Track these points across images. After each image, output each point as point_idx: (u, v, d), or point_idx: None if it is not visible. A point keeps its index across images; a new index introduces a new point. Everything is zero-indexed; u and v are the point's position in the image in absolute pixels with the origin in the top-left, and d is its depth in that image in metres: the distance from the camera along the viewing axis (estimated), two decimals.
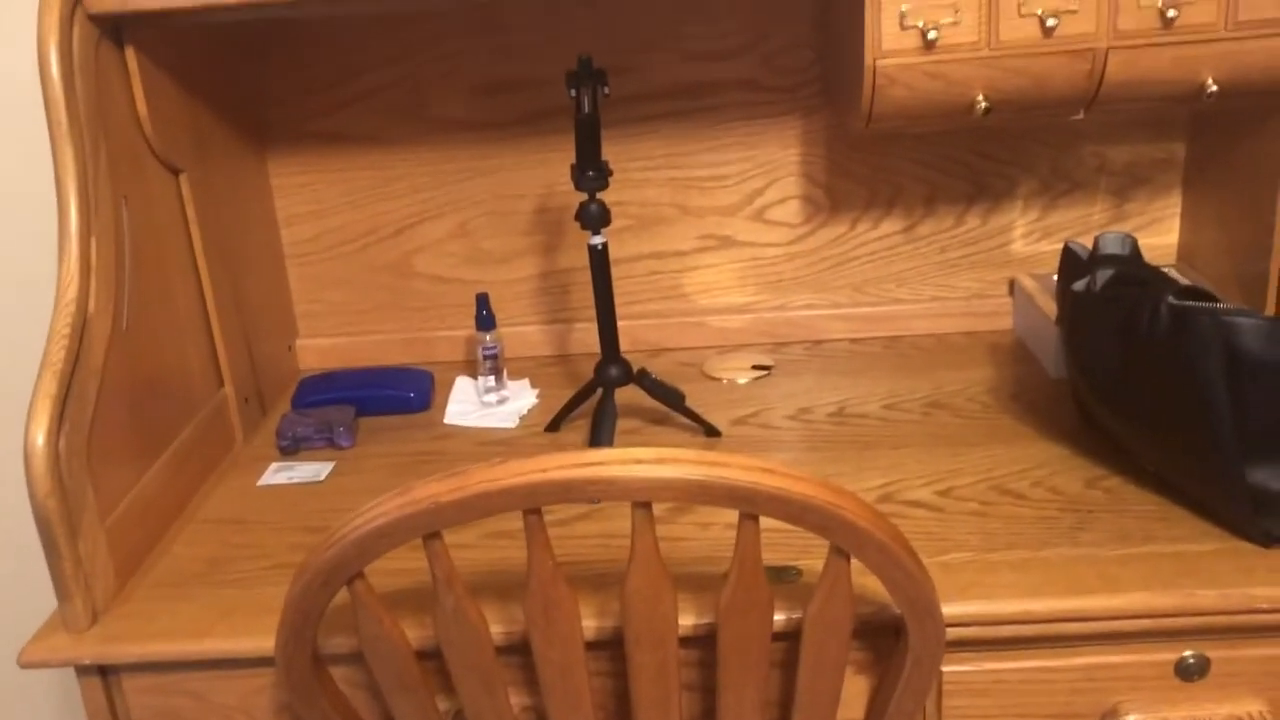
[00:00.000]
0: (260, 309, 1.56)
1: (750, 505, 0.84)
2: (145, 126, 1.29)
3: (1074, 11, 1.22)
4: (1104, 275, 1.23)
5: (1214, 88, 1.25)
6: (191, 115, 1.40)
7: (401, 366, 1.64)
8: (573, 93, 1.27)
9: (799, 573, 1.09)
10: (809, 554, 1.12)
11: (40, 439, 1.06)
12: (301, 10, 1.20)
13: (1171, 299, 1.10)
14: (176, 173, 1.36)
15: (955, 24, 1.23)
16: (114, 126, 1.23)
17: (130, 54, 1.26)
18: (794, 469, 0.84)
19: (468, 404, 1.54)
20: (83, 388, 1.12)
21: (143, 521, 1.22)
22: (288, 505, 1.31)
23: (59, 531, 1.07)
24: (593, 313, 1.39)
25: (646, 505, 0.85)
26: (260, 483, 1.37)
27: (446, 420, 1.50)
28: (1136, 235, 1.57)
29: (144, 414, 1.26)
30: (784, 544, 1.13)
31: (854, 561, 0.88)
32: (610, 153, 1.60)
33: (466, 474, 0.85)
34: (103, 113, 1.20)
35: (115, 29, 1.24)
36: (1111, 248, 1.26)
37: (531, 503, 0.84)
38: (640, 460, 0.83)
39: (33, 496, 1.05)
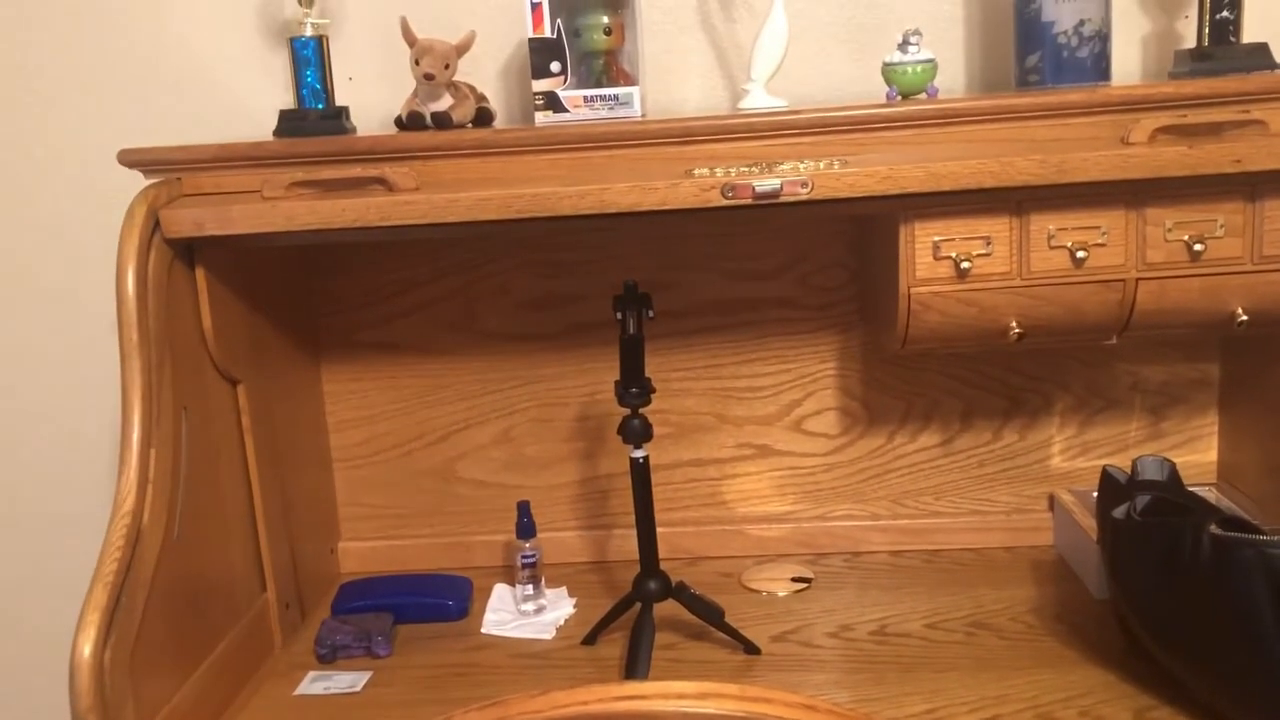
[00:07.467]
0: (306, 512, 1.59)
1: None
2: (209, 340, 1.35)
3: (1102, 245, 1.26)
4: (1143, 501, 1.23)
5: (1244, 317, 1.29)
6: (251, 327, 1.46)
7: (441, 573, 1.64)
8: (619, 315, 1.32)
9: None
10: None
11: (87, 651, 1.07)
12: (357, 237, 1.27)
13: (1214, 528, 1.10)
14: (235, 383, 1.41)
15: (987, 255, 1.27)
16: (180, 341, 1.29)
17: (200, 273, 1.33)
18: (839, 705, 0.84)
19: (505, 613, 1.54)
20: (132, 599, 1.14)
21: None
22: (324, 718, 1.30)
23: None
24: (631, 519, 1.41)
25: None
26: (296, 692, 1.36)
27: (484, 630, 1.50)
28: (1174, 453, 1.58)
29: (188, 621, 1.27)
30: None
31: None
32: (652, 362, 1.63)
33: (506, 704, 0.84)
34: (170, 329, 1.26)
35: (188, 250, 1.32)
36: (1150, 473, 1.26)
37: None
38: (683, 695, 0.83)
39: (74, 710, 1.06)
